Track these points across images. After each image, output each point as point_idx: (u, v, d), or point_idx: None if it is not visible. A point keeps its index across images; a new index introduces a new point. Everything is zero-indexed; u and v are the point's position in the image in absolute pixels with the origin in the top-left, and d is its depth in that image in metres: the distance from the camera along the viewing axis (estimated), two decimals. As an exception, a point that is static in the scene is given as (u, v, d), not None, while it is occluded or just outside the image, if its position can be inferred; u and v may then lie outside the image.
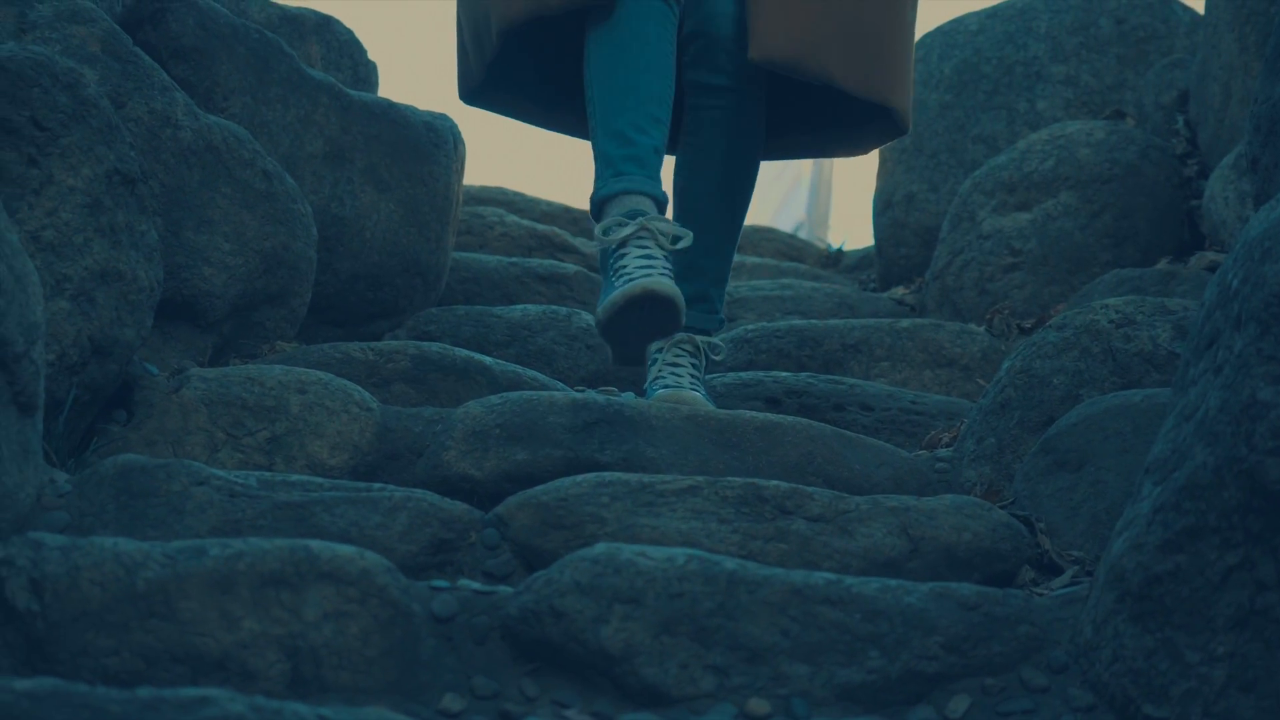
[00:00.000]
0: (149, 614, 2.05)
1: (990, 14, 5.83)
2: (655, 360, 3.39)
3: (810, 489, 2.64)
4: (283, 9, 4.60)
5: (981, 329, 4.29)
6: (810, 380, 3.65)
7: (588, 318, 4.07)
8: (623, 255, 3.03)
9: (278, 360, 3.45)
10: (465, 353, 3.47)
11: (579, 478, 2.64)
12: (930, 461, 3.23)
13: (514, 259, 4.75)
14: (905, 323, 4.26)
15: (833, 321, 4.30)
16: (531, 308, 4.10)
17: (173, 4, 3.71)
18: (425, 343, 3.55)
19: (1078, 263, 4.70)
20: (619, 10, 3.18)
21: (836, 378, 3.73)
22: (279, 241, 3.56)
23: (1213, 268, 4.20)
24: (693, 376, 3.25)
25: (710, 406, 3.14)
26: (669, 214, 3.26)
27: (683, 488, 2.60)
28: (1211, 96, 4.71)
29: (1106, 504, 2.74)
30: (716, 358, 3.34)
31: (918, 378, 4.13)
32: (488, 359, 3.48)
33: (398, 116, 4.14)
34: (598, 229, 3.10)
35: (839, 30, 3.21)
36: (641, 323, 3.07)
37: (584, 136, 3.40)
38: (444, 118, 4.26)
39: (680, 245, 3.07)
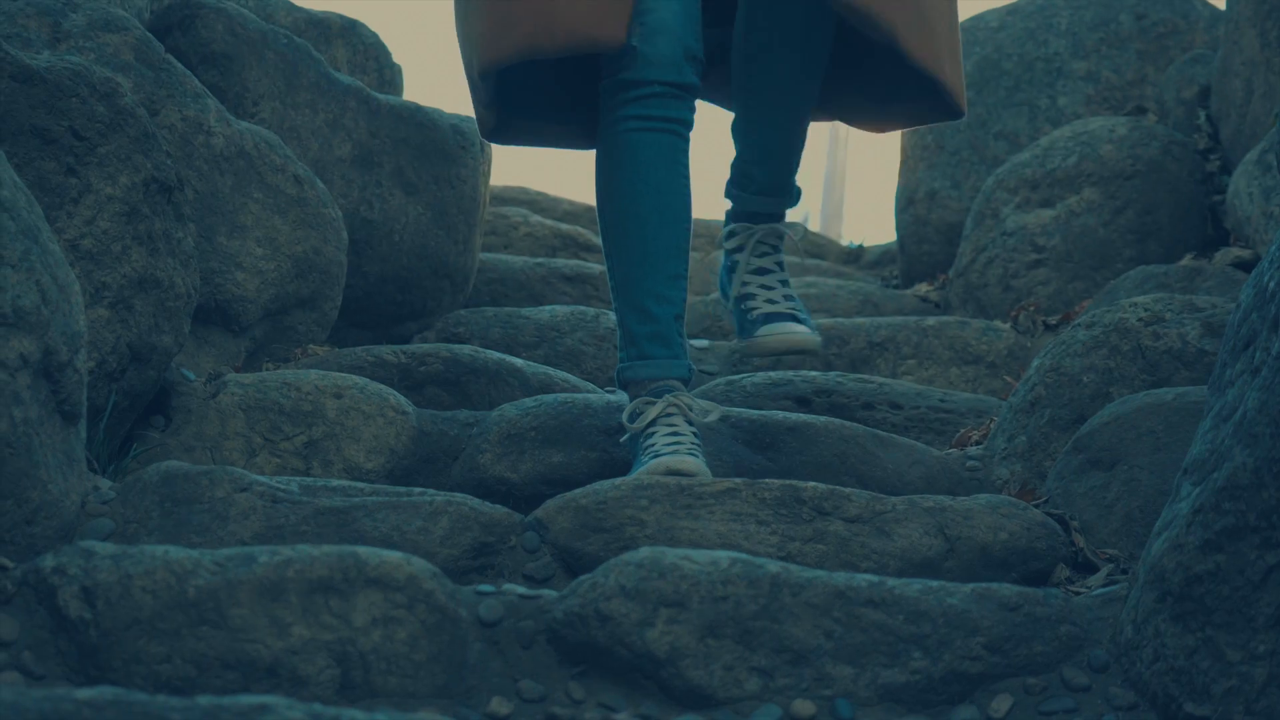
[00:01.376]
0: (200, 621, 2.07)
1: (1011, 10, 5.84)
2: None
3: (848, 490, 2.65)
4: (309, 13, 4.63)
5: (1007, 326, 4.31)
6: (839, 379, 3.66)
7: (615, 318, 4.08)
8: (651, 434, 2.88)
9: (310, 364, 3.48)
10: (497, 355, 3.49)
11: (617, 480, 2.66)
12: (961, 460, 3.25)
13: (539, 259, 4.77)
14: (931, 320, 4.27)
15: (859, 319, 4.32)
16: (559, 308, 4.12)
17: (201, 10, 3.73)
18: (456, 345, 3.57)
19: (1101, 259, 4.71)
20: (625, 144, 2.95)
21: (865, 376, 3.74)
22: (310, 246, 3.59)
23: (1237, 263, 4.21)
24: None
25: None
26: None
27: (721, 490, 2.62)
28: (1233, 92, 4.72)
29: (1140, 502, 2.76)
30: (708, 419, 2.97)
31: (944, 375, 4.15)
32: (519, 361, 3.50)
33: (425, 119, 4.16)
34: (624, 413, 2.93)
35: None
36: None
37: None
38: (470, 120, 4.28)
39: (709, 419, 2.94)
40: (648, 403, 2.92)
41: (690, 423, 2.92)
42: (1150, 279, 4.12)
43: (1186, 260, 4.48)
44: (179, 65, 3.36)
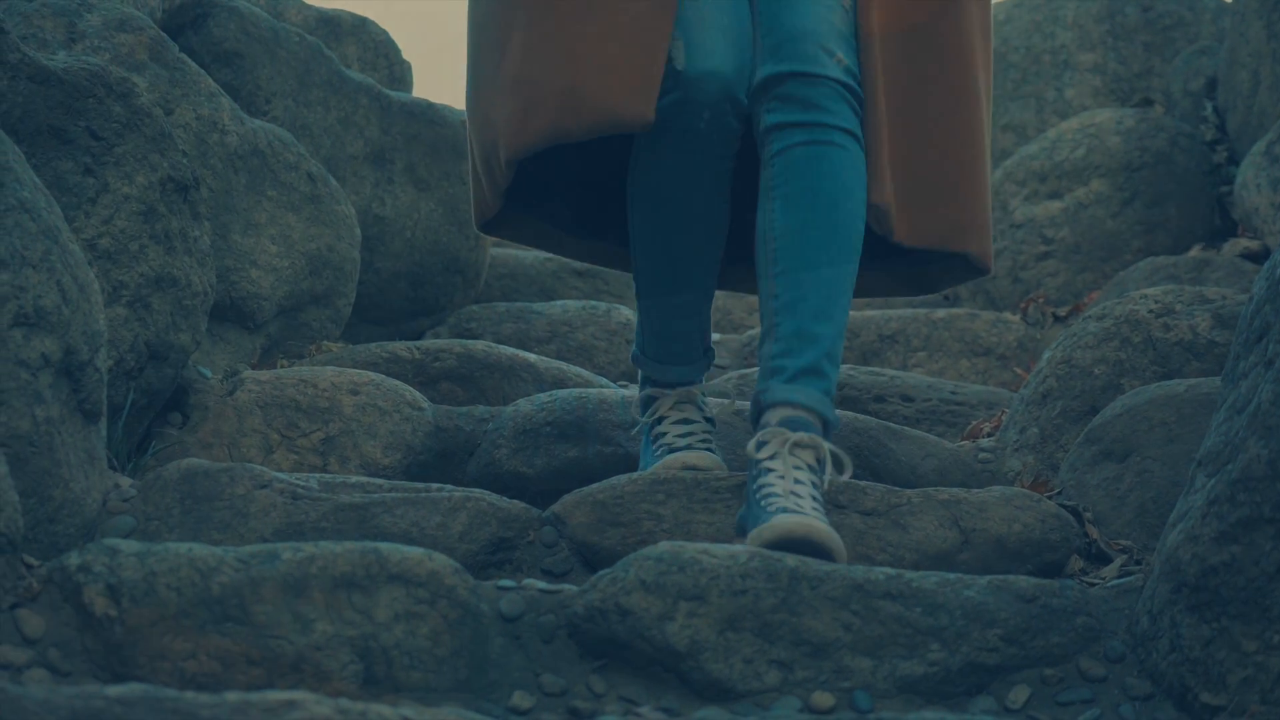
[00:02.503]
0: (224, 618, 2.08)
1: (1017, 3, 5.86)
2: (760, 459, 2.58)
3: (863, 483, 2.67)
4: (320, 11, 4.65)
5: (1016, 317, 4.32)
6: (850, 372, 3.68)
7: (627, 312, 4.11)
8: (662, 427, 2.83)
9: (325, 360, 3.49)
10: (510, 350, 3.51)
11: (634, 475, 2.67)
12: (973, 452, 3.26)
13: (550, 254, 4.79)
14: (941, 313, 4.29)
15: (868, 312, 4.33)
16: (571, 303, 4.14)
17: (214, 9, 3.75)
18: (470, 340, 3.59)
19: (1110, 250, 4.73)
20: (662, 155, 2.74)
21: (876, 369, 3.76)
22: (324, 243, 3.61)
23: (1246, 254, 4.23)
24: (814, 498, 2.51)
25: (840, 545, 2.45)
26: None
27: (737, 484, 2.64)
28: (1240, 83, 4.74)
29: (1153, 493, 2.77)
30: (843, 476, 2.61)
31: (954, 367, 4.17)
32: (532, 356, 3.52)
33: (436, 116, 4.18)
34: (636, 401, 2.90)
35: (927, 184, 2.73)
36: None
37: (626, 269, 3.02)
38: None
39: (722, 409, 2.94)
40: (660, 394, 2.87)
41: (703, 411, 2.88)
42: (1159, 270, 4.14)
43: (1195, 251, 4.49)
44: (193, 65, 3.37)
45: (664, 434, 2.84)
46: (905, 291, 3.03)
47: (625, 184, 2.83)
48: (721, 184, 2.78)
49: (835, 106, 2.65)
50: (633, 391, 3.04)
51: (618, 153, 2.88)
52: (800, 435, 2.53)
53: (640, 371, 2.94)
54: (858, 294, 2.87)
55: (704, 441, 2.83)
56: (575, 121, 2.65)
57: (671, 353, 2.88)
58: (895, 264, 2.93)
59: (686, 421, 2.85)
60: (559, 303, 4.15)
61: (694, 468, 2.74)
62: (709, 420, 2.89)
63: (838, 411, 2.71)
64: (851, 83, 2.67)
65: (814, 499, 2.49)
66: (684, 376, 2.89)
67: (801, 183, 2.65)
